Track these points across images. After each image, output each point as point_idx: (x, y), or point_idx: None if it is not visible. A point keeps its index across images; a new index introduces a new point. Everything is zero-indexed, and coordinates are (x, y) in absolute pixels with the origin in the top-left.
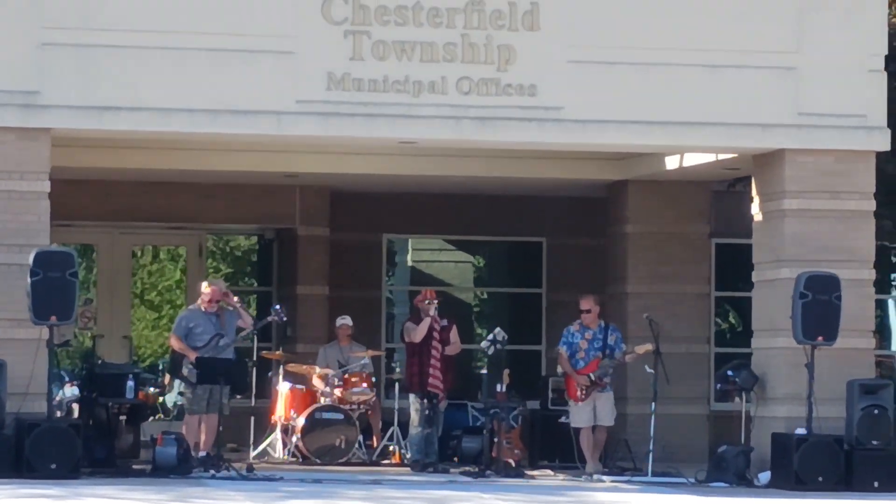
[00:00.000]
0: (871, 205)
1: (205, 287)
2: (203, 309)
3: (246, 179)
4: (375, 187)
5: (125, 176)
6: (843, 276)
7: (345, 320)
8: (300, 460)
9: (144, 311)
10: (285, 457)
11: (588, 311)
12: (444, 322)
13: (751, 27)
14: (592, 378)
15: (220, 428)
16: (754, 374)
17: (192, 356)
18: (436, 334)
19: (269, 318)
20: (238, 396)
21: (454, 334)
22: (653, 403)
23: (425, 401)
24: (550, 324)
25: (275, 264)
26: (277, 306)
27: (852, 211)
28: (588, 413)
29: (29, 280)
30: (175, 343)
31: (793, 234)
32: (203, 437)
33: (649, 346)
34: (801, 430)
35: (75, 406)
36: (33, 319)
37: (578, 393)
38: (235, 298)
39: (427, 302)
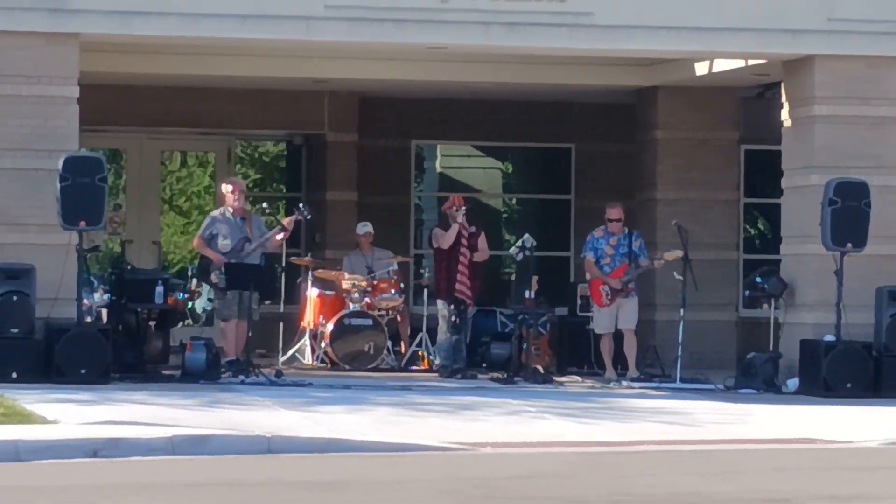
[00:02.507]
0: None
1: (226, 187)
2: (230, 211)
3: (274, 85)
4: (404, 93)
5: (154, 81)
6: (873, 183)
7: (366, 227)
8: (329, 366)
9: (173, 216)
10: (314, 362)
11: (618, 220)
12: (473, 229)
13: None
14: (620, 284)
15: (250, 333)
16: (783, 281)
17: (219, 260)
18: (464, 240)
19: (294, 217)
20: (268, 302)
21: (482, 241)
22: (682, 310)
23: (453, 307)
24: (579, 230)
25: (303, 170)
26: (301, 205)
27: (882, 117)
28: (610, 318)
29: (58, 185)
30: (199, 246)
31: (822, 140)
32: (234, 343)
33: (678, 253)
34: (829, 337)
35: (104, 311)
36: (63, 225)
37: (603, 298)
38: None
39: (455, 208)
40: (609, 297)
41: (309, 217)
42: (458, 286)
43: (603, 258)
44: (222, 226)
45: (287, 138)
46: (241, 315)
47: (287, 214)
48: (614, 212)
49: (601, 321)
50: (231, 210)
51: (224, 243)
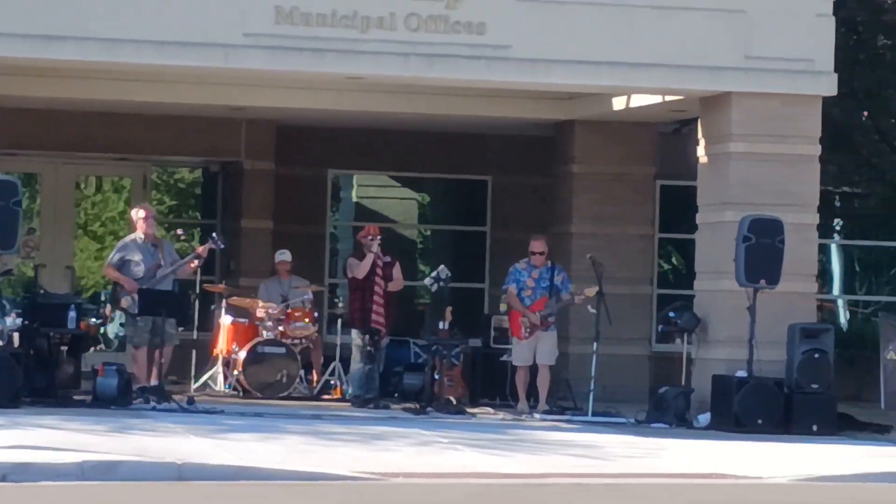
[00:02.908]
0: (817, 149)
1: (137, 213)
2: (142, 237)
3: (192, 112)
4: (322, 122)
5: (70, 106)
6: (787, 220)
7: (284, 255)
8: (241, 394)
9: (87, 241)
10: (226, 390)
11: (541, 254)
12: (388, 258)
13: None
14: (539, 318)
15: (163, 360)
16: (696, 316)
17: (131, 286)
18: (379, 270)
19: (208, 245)
20: (181, 329)
21: (397, 270)
22: (595, 343)
23: (367, 337)
24: (494, 262)
25: (219, 197)
26: (214, 234)
27: (798, 155)
28: (529, 352)
29: None
30: (110, 272)
31: (738, 177)
32: (150, 369)
33: (595, 289)
34: (741, 373)
35: (16, 335)
36: None
37: (523, 331)
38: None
39: (370, 238)
40: (528, 330)
41: (223, 247)
42: (373, 315)
43: (524, 290)
44: (134, 252)
45: (203, 165)
46: (152, 341)
47: (202, 242)
48: (538, 244)
49: (519, 354)
50: (143, 236)
51: (136, 269)
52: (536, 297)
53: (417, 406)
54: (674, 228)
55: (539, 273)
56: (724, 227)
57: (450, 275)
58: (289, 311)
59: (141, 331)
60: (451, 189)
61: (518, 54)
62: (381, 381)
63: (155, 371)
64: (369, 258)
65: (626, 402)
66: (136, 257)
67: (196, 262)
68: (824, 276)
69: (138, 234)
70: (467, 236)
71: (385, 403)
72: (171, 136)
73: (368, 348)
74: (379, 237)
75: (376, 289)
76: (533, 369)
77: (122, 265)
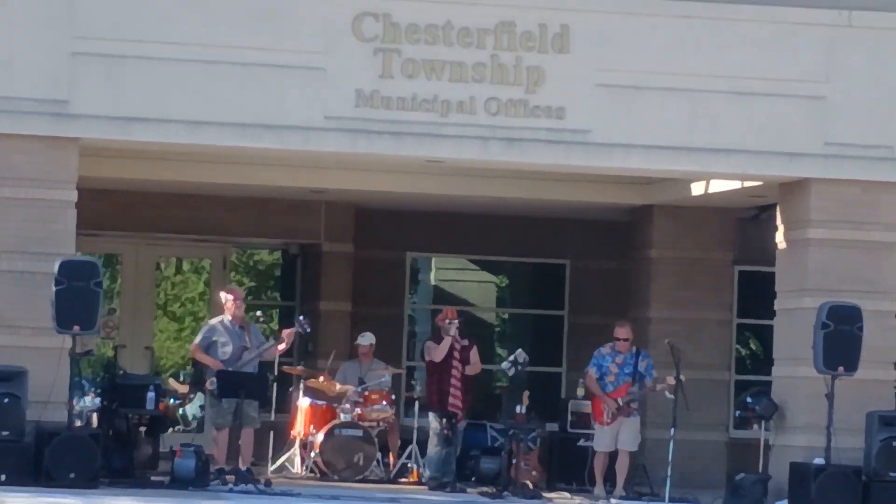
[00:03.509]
0: None
1: (225, 295)
2: (229, 319)
3: (272, 194)
4: (401, 205)
5: (151, 187)
6: (866, 307)
7: (366, 338)
8: (318, 476)
9: (167, 322)
10: (303, 472)
11: (625, 340)
12: (465, 341)
13: (780, 55)
14: (620, 403)
15: (240, 442)
16: (774, 403)
17: (217, 367)
18: (456, 353)
19: (294, 329)
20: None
21: (475, 354)
22: (672, 429)
23: (444, 420)
24: (571, 346)
25: (298, 279)
26: (301, 317)
27: (876, 242)
28: (611, 437)
29: (53, 289)
30: (197, 353)
31: (816, 263)
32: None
33: (674, 377)
34: (819, 460)
35: (95, 416)
36: (56, 328)
37: (605, 417)
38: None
39: (448, 321)
40: (610, 416)
41: (309, 331)
42: (450, 399)
43: (607, 375)
44: (221, 334)
45: (283, 247)
46: (236, 422)
47: (281, 324)
48: (623, 331)
49: (601, 439)
50: (230, 318)
51: (223, 350)
52: (619, 383)
53: (494, 490)
54: (752, 314)
55: (623, 359)
56: (802, 314)
57: (527, 359)
58: (366, 393)
59: (224, 412)
60: (529, 273)
61: (597, 139)
62: (457, 464)
63: (242, 456)
64: (447, 341)
65: (703, 489)
66: (223, 339)
67: (282, 345)
68: None
69: (226, 317)
70: (545, 320)
71: (462, 487)
72: (252, 218)
73: (446, 432)
74: (457, 320)
75: (454, 372)
76: (612, 455)
77: (209, 347)
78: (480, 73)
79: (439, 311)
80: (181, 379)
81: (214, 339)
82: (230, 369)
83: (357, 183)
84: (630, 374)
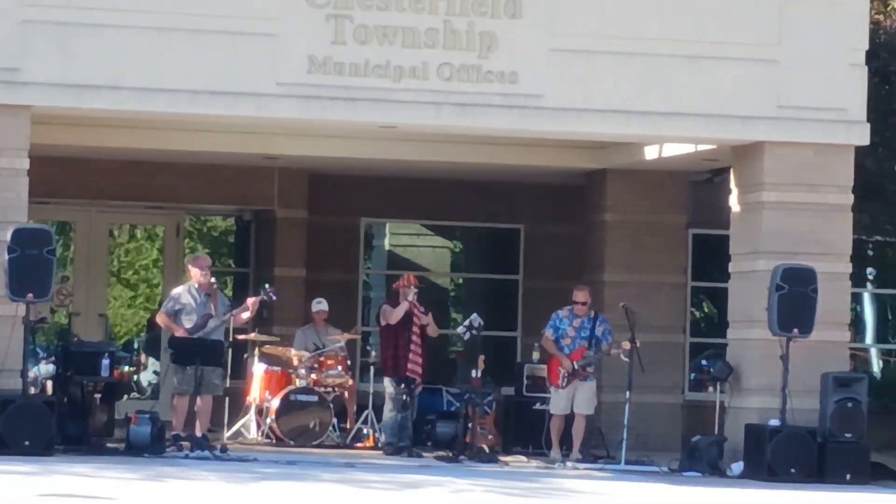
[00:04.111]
0: (849, 199)
1: (192, 261)
2: (195, 287)
3: (225, 160)
4: (354, 171)
5: (104, 154)
6: (820, 270)
7: (321, 304)
8: (274, 442)
9: (121, 289)
10: (259, 438)
11: (583, 304)
12: (422, 309)
13: (733, 19)
14: (575, 366)
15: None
16: (729, 365)
17: (183, 335)
18: (416, 319)
19: (260, 297)
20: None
21: (430, 319)
22: (627, 392)
23: (403, 385)
24: (526, 311)
25: (252, 246)
26: (267, 286)
27: (830, 204)
28: (566, 401)
29: (6, 257)
30: (164, 321)
31: (770, 226)
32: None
33: (627, 343)
34: (774, 422)
35: (50, 383)
36: (10, 296)
37: (560, 380)
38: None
39: (408, 287)
40: (566, 380)
41: (275, 299)
42: (410, 364)
43: (563, 338)
44: (187, 301)
45: (236, 213)
46: (203, 390)
47: (235, 290)
48: (581, 294)
49: (557, 403)
50: (196, 286)
51: (188, 318)
52: (575, 347)
53: (450, 454)
54: (706, 277)
55: (581, 322)
56: (756, 276)
57: (482, 323)
58: (322, 359)
59: (189, 379)
60: (484, 237)
61: (550, 103)
62: (413, 429)
63: (199, 422)
64: (403, 305)
65: (658, 451)
66: (189, 307)
67: (247, 313)
68: (857, 324)
69: (192, 284)
70: (499, 285)
71: (418, 452)
72: (205, 185)
73: (403, 396)
74: (416, 287)
75: (413, 337)
76: (568, 418)
77: (175, 314)
78: (433, 38)
79: (395, 277)
80: (136, 346)
81: (179, 306)
82: (195, 336)
83: (310, 149)
84: (587, 337)
